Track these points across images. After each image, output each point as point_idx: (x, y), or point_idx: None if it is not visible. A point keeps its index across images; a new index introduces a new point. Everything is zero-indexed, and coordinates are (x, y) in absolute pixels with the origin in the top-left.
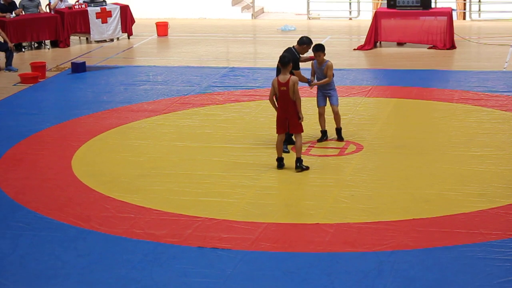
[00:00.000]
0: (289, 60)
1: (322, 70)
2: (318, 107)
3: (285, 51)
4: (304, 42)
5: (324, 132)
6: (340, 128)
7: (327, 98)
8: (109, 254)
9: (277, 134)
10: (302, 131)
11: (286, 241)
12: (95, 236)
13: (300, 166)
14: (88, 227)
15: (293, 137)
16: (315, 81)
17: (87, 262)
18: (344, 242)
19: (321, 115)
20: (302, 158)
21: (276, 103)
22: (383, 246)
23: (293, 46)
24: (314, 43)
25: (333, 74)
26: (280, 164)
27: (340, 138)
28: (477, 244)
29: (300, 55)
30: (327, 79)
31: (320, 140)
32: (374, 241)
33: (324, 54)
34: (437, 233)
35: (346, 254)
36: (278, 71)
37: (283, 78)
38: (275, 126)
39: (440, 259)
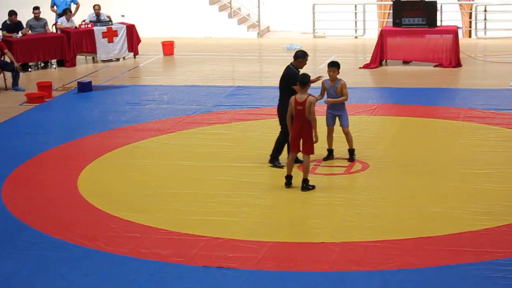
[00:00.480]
0: (308, 80)
1: (335, 89)
2: (327, 126)
3: (285, 70)
4: (299, 56)
5: (330, 151)
6: (353, 149)
7: (337, 118)
8: (115, 273)
9: (290, 152)
10: (313, 153)
11: (292, 260)
12: (101, 255)
13: (306, 187)
14: (94, 247)
15: (299, 156)
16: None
17: (93, 282)
18: (350, 261)
19: (329, 134)
20: (308, 178)
21: (291, 122)
22: (389, 265)
23: (291, 63)
24: (307, 55)
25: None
26: (289, 182)
27: (351, 159)
28: (483, 263)
29: (299, 70)
30: (344, 97)
31: (326, 159)
32: (380, 260)
33: (338, 72)
34: (443, 251)
35: (352, 273)
36: (280, 87)
37: (301, 97)
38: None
39: (446, 278)
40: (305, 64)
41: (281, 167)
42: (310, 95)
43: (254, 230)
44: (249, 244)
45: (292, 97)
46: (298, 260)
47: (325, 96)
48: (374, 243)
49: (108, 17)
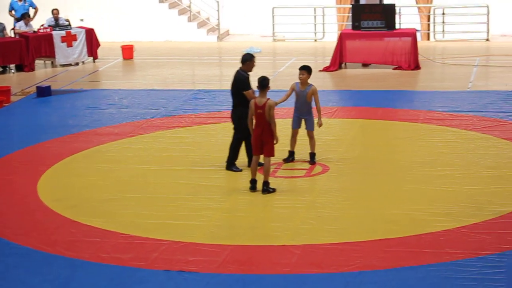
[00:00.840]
0: (267, 83)
1: (306, 94)
2: (292, 129)
3: (235, 75)
4: (246, 59)
5: (291, 153)
6: (314, 154)
7: (303, 121)
8: (75, 279)
9: (253, 156)
10: (274, 155)
11: (253, 263)
12: (62, 260)
13: (267, 189)
14: (54, 252)
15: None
16: (278, 101)
17: (53, 287)
18: (311, 264)
19: (293, 137)
20: (268, 180)
21: (253, 125)
22: (349, 267)
23: (240, 68)
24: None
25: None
26: (253, 186)
27: (312, 162)
28: (443, 264)
29: (248, 73)
30: (318, 106)
31: (286, 160)
32: (341, 262)
33: (309, 76)
34: (404, 253)
35: (313, 276)
36: (232, 93)
37: (260, 101)
38: (241, 148)
39: (407, 279)
40: (254, 66)
41: (240, 170)
42: (269, 99)
43: (215, 233)
44: (210, 248)
45: (252, 101)
46: (259, 263)
47: (294, 99)
48: (335, 246)
49: (67, 20)
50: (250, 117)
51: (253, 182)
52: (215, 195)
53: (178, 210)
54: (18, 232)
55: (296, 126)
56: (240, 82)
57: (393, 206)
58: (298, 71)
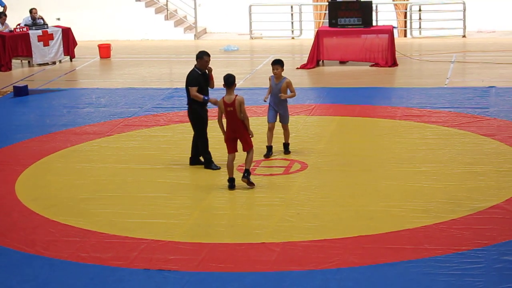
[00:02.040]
0: (233, 80)
1: (280, 87)
2: (268, 122)
3: (190, 72)
4: (198, 56)
5: (269, 148)
6: (288, 144)
7: (278, 115)
8: (54, 278)
9: (228, 154)
10: (252, 146)
11: (233, 261)
12: (40, 260)
13: (247, 177)
14: (33, 252)
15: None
16: (268, 97)
17: (33, 287)
18: (291, 261)
19: (270, 130)
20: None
21: (223, 124)
22: (329, 264)
23: (195, 65)
24: (206, 54)
25: None
26: (232, 184)
27: (287, 151)
28: (422, 260)
29: (206, 70)
30: (293, 93)
31: (266, 156)
32: (320, 259)
33: (282, 70)
34: (383, 249)
35: (292, 273)
36: (186, 91)
37: (229, 98)
38: (217, 147)
39: (386, 275)
40: (207, 63)
41: (218, 168)
42: (237, 95)
43: (194, 232)
44: (189, 246)
45: (220, 100)
46: (238, 261)
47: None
48: (314, 243)
49: (40, 17)
50: (220, 116)
51: (231, 180)
52: (193, 193)
53: (157, 209)
54: None
55: (272, 120)
56: (189, 77)
57: (371, 203)
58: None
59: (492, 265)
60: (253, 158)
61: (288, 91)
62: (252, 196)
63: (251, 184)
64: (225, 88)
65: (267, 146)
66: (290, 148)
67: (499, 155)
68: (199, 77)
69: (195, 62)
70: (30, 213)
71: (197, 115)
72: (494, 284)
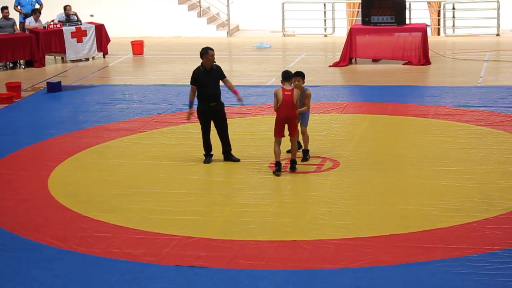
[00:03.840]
0: (290, 75)
1: (301, 98)
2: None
3: (193, 72)
4: (203, 52)
5: (305, 152)
6: (308, 150)
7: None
8: (86, 274)
9: (274, 138)
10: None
11: (264, 259)
12: (72, 256)
13: (294, 167)
14: (65, 247)
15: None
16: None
17: (64, 283)
18: (322, 259)
19: (304, 134)
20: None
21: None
22: (360, 262)
23: (201, 63)
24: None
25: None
26: (279, 168)
27: (305, 159)
28: (454, 259)
29: (206, 68)
30: (305, 107)
31: (303, 160)
32: (352, 257)
33: (304, 82)
34: (414, 248)
35: (323, 271)
36: None
37: (287, 86)
38: (250, 144)
39: (418, 274)
40: (211, 59)
41: (238, 160)
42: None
43: (225, 229)
44: (221, 243)
45: (278, 89)
46: (269, 258)
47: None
48: (346, 241)
49: (74, 14)
50: (276, 105)
51: (278, 164)
52: (225, 190)
53: (188, 206)
54: (28, 227)
55: (304, 124)
56: (192, 75)
57: (403, 202)
58: (307, 66)
59: None
60: (297, 148)
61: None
62: (283, 194)
63: (295, 169)
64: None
65: (302, 151)
66: (321, 147)
67: None
68: (200, 74)
69: (227, 60)
70: (63, 209)
71: (201, 112)
72: None
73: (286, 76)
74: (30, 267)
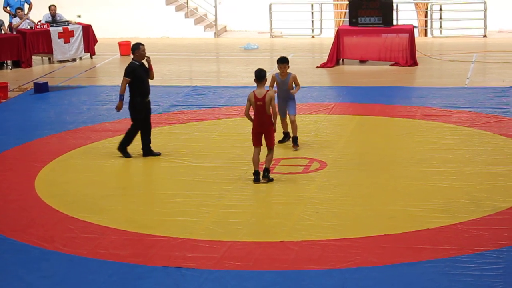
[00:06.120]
0: (264, 75)
1: (287, 82)
2: (280, 117)
3: (128, 65)
4: (134, 48)
5: (286, 134)
6: (297, 137)
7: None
8: (73, 275)
9: (253, 147)
10: (274, 144)
11: (251, 259)
12: (59, 257)
13: (267, 176)
14: (52, 248)
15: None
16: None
17: (51, 283)
18: (309, 260)
19: (283, 121)
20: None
21: (251, 116)
22: (348, 263)
23: (132, 58)
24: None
25: None
26: (257, 178)
27: (295, 144)
28: (441, 260)
29: (140, 62)
30: (298, 86)
31: (281, 141)
32: (339, 258)
33: (289, 67)
34: (402, 249)
35: (311, 272)
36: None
37: (259, 92)
38: (237, 145)
39: (405, 275)
40: (143, 53)
41: (129, 156)
42: (268, 90)
43: (213, 230)
44: (208, 244)
45: (251, 93)
46: (257, 259)
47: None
48: (333, 242)
49: (56, 15)
50: (248, 109)
51: (256, 174)
52: (212, 191)
53: (175, 207)
54: (15, 228)
55: (283, 115)
56: (126, 69)
57: (391, 202)
58: (294, 67)
59: (511, 266)
60: (273, 157)
61: (294, 85)
62: (271, 195)
63: (270, 180)
64: (255, 83)
65: (283, 132)
66: (308, 148)
67: None
68: (137, 68)
69: (214, 60)
70: (50, 210)
71: (138, 108)
72: None
73: (260, 76)
74: (17, 268)
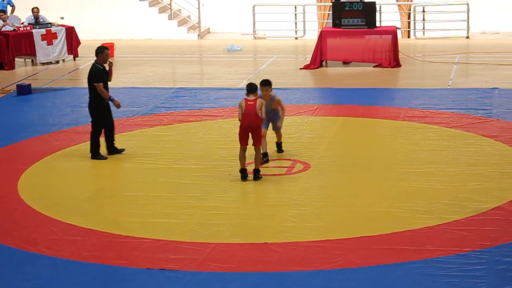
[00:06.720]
0: (256, 88)
1: (271, 105)
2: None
3: (91, 67)
4: (98, 51)
5: (264, 154)
6: (281, 143)
7: (270, 123)
8: (56, 277)
9: (240, 146)
10: (261, 143)
11: (234, 261)
12: (42, 259)
13: (258, 177)
14: (35, 251)
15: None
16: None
17: (35, 286)
18: (293, 261)
19: (263, 138)
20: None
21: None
22: (331, 264)
23: (95, 60)
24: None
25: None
26: (244, 175)
27: (280, 150)
28: (424, 261)
29: (104, 66)
30: (283, 110)
31: (263, 162)
32: (322, 259)
33: (272, 89)
34: (385, 250)
35: (294, 273)
36: (88, 86)
37: (251, 97)
38: (221, 146)
39: (388, 276)
40: (107, 58)
41: (105, 158)
42: (260, 97)
43: (196, 231)
44: (192, 246)
45: (242, 100)
46: (240, 261)
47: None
48: (316, 243)
49: (39, 17)
50: (240, 115)
51: (243, 171)
52: (195, 193)
53: (159, 209)
54: None
55: (265, 126)
56: (90, 73)
57: (374, 204)
58: (277, 69)
59: (494, 267)
60: (261, 156)
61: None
62: (254, 196)
63: (260, 178)
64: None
65: (263, 153)
66: (292, 149)
67: (502, 157)
68: (101, 72)
69: (198, 62)
70: (33, 212)
71: (99, 110)
72: (496, 286)
73: (251, 88)
74: (0, 271)
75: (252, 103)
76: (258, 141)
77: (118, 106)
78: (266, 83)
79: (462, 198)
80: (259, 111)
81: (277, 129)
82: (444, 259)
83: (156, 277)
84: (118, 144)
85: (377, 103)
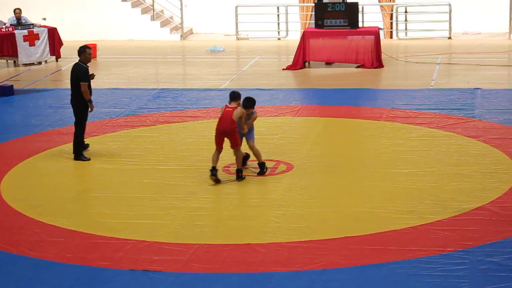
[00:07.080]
0: (238, 96)
1: (250, 117)
2: None
3: (73, 67)
4: (80, 51)
5: (262, 165)
6: (263, 162)
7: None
8: (40, 279)
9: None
10: (240, 145)
11: (218, 262)
12: (25, 261)
13: (240, 176)
14: (18, 252)
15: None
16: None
17: None
18: (276, 262)
19: (253, 148)
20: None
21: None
22: (314, 264)
23: (79, 60)
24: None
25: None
26: (214, 173)
27: (261, 172)
28: (407, 261)
29: (88, 65)
30: (245, 127)
31: (260, 173)
32: (306, 260)
33: (253, 109)
34: (368, 250)
35: (278, 274)
36: (71, 85)
37: (232, 105)
38: (204, 147)
39: (372, 276)
40: (89, 57)
41: (88, 159)
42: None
43: (179, 232)
44: (175, 247)
45: (223, 106)
46: (224, 261)
47: None
48: (300, 244)
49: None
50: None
51: (213, 168)
52: (179, 194)
53: (142, 210)
54: None
55: (251, 138)
56: (80, 72)
57: (357, 204)
58: (260, 70)
59: (477, 267)
60: (241, 157)
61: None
62: (237, 197)
63: (243, 178)
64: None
65: (258, 164)
66: (275, 150)
67: (485, 157)
68: (87, 71)
69: (180, 63)
70: (15, 214)
71: (84, 110)
72: (478, 286)
73: (234, 96)
74: None
75: (230, 109)
76: (235, 144)
77: (91, 109)
78: (252, 104)
79: (444, 198)
80: (236, 118)
81: (249, 139)
82: (427, 259)
83: (140, 278)
84: (102, 145)
85: (359, 104)
